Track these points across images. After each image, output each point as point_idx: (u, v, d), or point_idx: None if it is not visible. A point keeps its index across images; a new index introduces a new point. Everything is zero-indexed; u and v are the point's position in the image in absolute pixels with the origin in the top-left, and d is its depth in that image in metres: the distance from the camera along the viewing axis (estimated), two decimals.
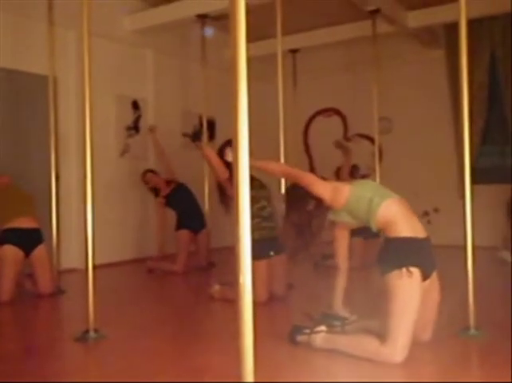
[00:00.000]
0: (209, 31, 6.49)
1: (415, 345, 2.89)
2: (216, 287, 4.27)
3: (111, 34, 6.38)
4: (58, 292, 4.55)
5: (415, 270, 2.63)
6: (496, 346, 2.82)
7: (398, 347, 2.53)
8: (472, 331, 2.99)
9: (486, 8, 5.95)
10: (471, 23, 3.27)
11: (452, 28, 6.33)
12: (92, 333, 3.09)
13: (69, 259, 5.64)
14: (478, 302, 3.03)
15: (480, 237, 3.21)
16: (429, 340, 2.86)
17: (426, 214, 7.72)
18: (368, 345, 2.63)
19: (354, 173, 6.16)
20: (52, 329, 3.62)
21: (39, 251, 4.44)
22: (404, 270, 2.61)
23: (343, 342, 2.73)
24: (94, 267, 3.17)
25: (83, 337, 3.08)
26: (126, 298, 4.54)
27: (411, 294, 2.59)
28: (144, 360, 2.75)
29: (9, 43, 5.36)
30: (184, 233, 5.83)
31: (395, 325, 2.55)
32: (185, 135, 7.47)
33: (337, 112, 8.53)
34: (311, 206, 2.93)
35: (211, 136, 7.26)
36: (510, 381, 2.32)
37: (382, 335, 2.60)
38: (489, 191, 6.70)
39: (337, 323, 3.08)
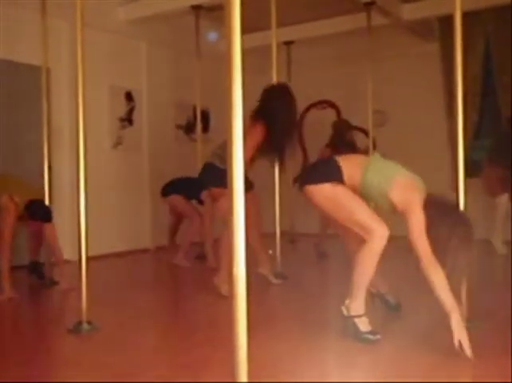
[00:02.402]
0: (212, 35, 6.49)
1: (406, 337, 2.90)
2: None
3: (104, 25, 6.34)
4: (51, 283, 4.55)
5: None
6: (489, 339, 2.84)
7: (374, 227, 2.77)
8: (465, 323, 2.99)
9: (480, 0, 5.95)
10: (465, 16, 3.26)
11: (446, 20, 6.32)
12: (85, 325, 3.08)
13: (63, 251, 5.62)
14: (471, 294, 3.04)
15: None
16: (421, 332, 2.87)
17: None
18: (363, 258, 2.82)
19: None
20: (45, 320, 3.61)
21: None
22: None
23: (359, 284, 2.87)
24: (87, 259, 3.16)
25: (76, 329, 3.07)
26: (121, 290, 4.54)
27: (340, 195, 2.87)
28: (137, 352, 2.76)
29: (1, 33, 5.31)
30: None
31: (355, 220, 2.83)
32: (179, 127, 7.45)
33: (331, 105, 8.51)
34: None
35: (205, 128, 7.24)
36: (506, 374, 2.33)
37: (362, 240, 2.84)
38: (481, 185, 6.71)
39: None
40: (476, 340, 2.74)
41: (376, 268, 2.88)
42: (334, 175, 2.92)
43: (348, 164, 2.97)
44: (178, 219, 6.10)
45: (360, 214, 2.83)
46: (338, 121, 6.48)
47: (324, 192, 2.93)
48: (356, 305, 2.88)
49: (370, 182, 2.88)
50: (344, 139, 6.21)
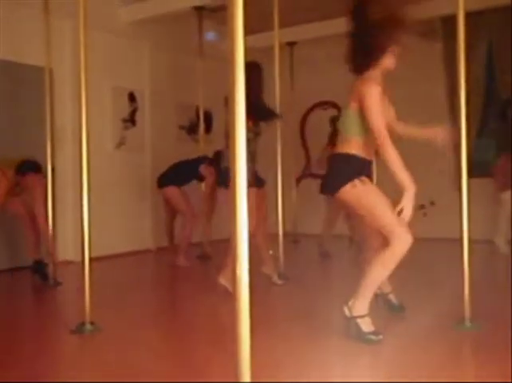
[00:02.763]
0: (211, 35, 6.48)
1: (410, 337, 2.90)
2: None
3: (107, 26, 6.35)
4: (55, 284, 4.57)
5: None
6: (491, 339, 2.84)
7: (399, 232, 2.76)
8: (467, 324, 3.00)
9: (483, 1, 5.94)
10: (468, 16, 3.27)
11: (449, 20, 6.31)
12: (88, 326, 3.09)
13: (65, 251, 5.64)
14: (473, 294, 3.04)
15: (475, 230, 3.22)
16: (425, 333, 2.87)
17: (422, 207, 7.73)
18: (383, 260, 2.82)
19: None
20: (48, 321, 3.62)
21: None
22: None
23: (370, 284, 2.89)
24: (90, 259, 3.17)
25: (79, 330, 3.08)
26: (123, 291, 4.54)
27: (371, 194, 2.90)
28: (140, 353, 2.76)
29: (4, 34, 5.32)
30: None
31: (382, 223, 2.82)
32: (181, 127, 7.46)
33: (334, 105, 8.51)
34: None
35: (208, 129, 7.25)
36: (507, 373, 2.33)
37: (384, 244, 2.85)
38: (484, 185, 6.71)
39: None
40: (478, 339, 2.74)
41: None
42: (355, 171, 2.93)
43: None
44: (171, 214, 6.07)
45: (389, 217, 2.82)
46: (337, 116, 6.47)
47: (353, 193, 2.92)
48: (360, 305, 2.87)
49: None
50: None
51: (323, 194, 3.24)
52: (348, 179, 2.90)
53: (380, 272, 2.86)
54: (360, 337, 2.83)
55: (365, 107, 2.88)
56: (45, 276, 4.66)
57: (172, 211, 6.02)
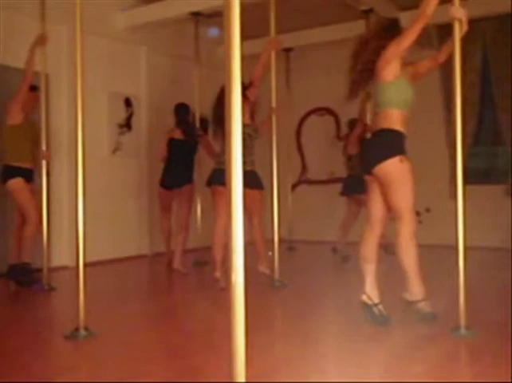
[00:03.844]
0: (213, 31, 6.48)
1: (405, 344, 2.90)
2: None
3: (104, 31, 6.36)
4: (49, 289, 4.55)
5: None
6: (486, 346, 2.84)
7: (411, 219, 3.16)
8: (462, 331, 2.99)
9: (478, 9, 5.97)
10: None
11: (445, 28, 6.34)
12: (82, 331, 3.07)
13: (60, 257, 5.62)
14: (468, 301, 3.04)
15: (470, 237, 3.22)
16: (420, 340, 2.87)
17: (417, 214, 7.73)
18: (403, 246, 3.15)
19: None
20: (42, 326, 3.60)
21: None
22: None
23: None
24: (85, 265, 3.16)
25: (73, 335, 3.06)
26: (118, 296, 4.53)
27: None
28: (134, 359, 2.75)
29: (0, 39, 5.32)
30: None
31: (405, 204, 3.12)
32: None
33: (330, 112, 8.53)
34: None
35: (204, 134, 7.23)
36: (502, 380, 2.33)
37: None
38: (480, 192, 6.73)
39: None
40: (474, 346, 2.74)
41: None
42: (403, 147, 3.13)
43: None
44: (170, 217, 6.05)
45: (411, 202, 3.13)
46: (354, 119, 6.52)
47: (398, 167, 3.11)
48: (417, 290, 3.14)
49: None
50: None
51: (369, 167, 3.23)
52: (399, 152, 3.10)
53: (408, 257, 3.13)
54: (425, 317, 3.11)
55: (398, 43, 3.14)
56: (22, 280, 4.66)
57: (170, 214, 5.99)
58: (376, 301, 3.27)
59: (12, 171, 4.61)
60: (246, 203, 4.72)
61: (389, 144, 3.16)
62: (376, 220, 3.29)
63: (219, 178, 4.40)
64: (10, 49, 5.42)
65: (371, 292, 3.28)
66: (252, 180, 4.55)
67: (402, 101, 3.18)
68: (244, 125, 4.74)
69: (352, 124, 6.50)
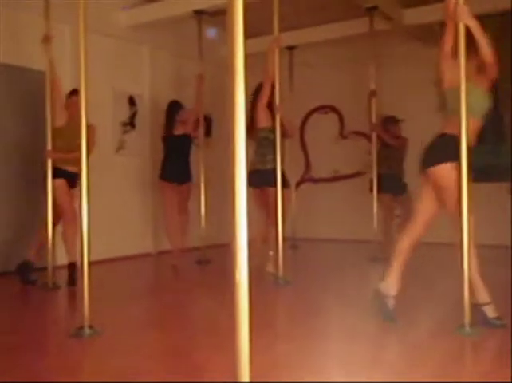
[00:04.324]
0: (211, 32, 6.48)
1: (410, 342, 2.90)
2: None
3: (107, 30, 6.36)
4: (54, 287, 4.57)
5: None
6: (491, 344, 2.83)
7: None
8: (467, 329, 2.99)
9: (483, 6, 5.95)
10: None
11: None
12: (86, 330, 3.07)
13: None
14: (473, 299, 3.03)
15: (476, 235, 3.21)
16: (425, 338, 2.86)
17: None
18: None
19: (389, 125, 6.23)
20: (46, 324, 3.61)
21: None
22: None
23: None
24: (90, 263, 3.16)
25: (78, 334, 3.07)
26: (122, 295, 4.53)
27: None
28: (139, 357, 2.75)
29: (4, 38, 5.33)
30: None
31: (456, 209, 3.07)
32: None
33: (334, 110, 8.52)
34: None
35: (208, 133, 7.24)
36: (507, 379, 2.32)
37: None
38: (483, 190, 6.71)
39: None
40: (478, 345, 2.73)
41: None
42: (457, 155, 3.05)
43: None
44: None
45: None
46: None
47: (452, 174, 3.10)
48: (482, 294, 3.13)
49: None
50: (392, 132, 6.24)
51: (425, 168, 3.26)
52: (454, 159, 3.07)
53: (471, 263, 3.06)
54: (487, 322, 3.06)
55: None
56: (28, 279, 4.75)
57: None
58: (393, 293, 3.29)
59: (56, 173, 4.73)
60: (267, 200, 4.80)
61: (446, 149, 3.17)
62: (421, 220, 3.30)
63: (251, 179, 4.56)
64: (13, 48, 5.42)
65: (392, 283, 3.29)
66: (270, 179, 4.66)
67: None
68: (259, 129, 4.82)
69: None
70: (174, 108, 5.95)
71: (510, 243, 5.92)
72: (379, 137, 6.27)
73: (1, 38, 5.31)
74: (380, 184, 6.13)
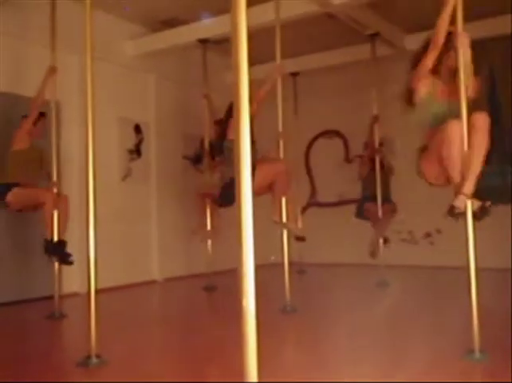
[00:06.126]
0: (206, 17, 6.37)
1: (419, 368, 2.86)
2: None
3: (113, 59, 6.45)
4: (60, 316, 4.55)
5: None
6: (501, 370, 2.79)
7: None
8: (477, 354, 2.95)
9: (484, 30, 6.01)
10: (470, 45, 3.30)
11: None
12: (93, 359, 3.05)
13: (71, 283, 5.62)
14: (482, 324, 3.00)
15: (482, 258, 3.19)
16: (434, 364, 2.82)
17: (428, 235, 7.69)
18: None
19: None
20: (53, 353, 3.58)
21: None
22: None
23: None
24: (96, 291, 3.15)
25: (85, 363, 3.04)
26: (130, 323, 4.50)
27: None
28: None
29: (12, 68, 5.41)
30: None
31: None
32: (185, 157, 7.49)
33: (338, 134, 8.56)
34: None
35: (213, 159, 7.27)
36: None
37: None
38: (493, 212, 6.68)
39: None
40: (488, 372, 2.69)
41: None
42: None
43: None
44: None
45: None
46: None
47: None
48: None
49: None
50: None
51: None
52: None
53: None
54: None
55: None
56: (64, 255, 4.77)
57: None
58: None
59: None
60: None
61: None
62: None
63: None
64: (22, 79, 5.50)
65: None
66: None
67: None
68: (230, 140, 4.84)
69: (367, 145, 6.53)
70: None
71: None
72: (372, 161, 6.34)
73: (10, 68, 5.39)
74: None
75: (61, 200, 4.79)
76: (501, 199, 6.91)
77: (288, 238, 4.75)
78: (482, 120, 3.08)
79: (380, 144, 6.38)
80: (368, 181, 6.32)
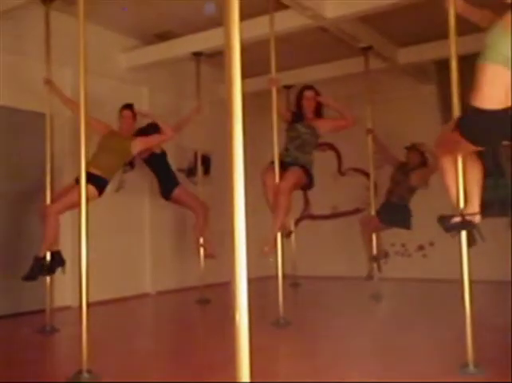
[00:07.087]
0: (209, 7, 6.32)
1: (413, 381, 2.85)
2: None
3: (107, 72, 6.45)
4: (52, 330, 4.50)
5: None
6: None
7: None
8: (471, 368, 2.93)
9: (475, 45, 6.06)
10: (462, 59, 3.32)
11: (443, 63, 6.44)
12: (85, 374, 3.01)
13: (63, 297, 5.57)
14: (476, 337, 2.99)
15: (476, 271, 3.19)
16: (428, 377, 2.81)
17: (421, 248, 7.70)
18: None
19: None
20: (44, 369, 3.54)
21: None
22: None
23: None
24: (88, 305, 3.12)
25: (76, 378, 3.00)
26: (122, 337, 4.47)
27: None
28: None
29: (6, 81, 5.40)
30: None
31: None
32: (180, 170, 7.48)
33: (332, 147, 8.58)
34: None
35: (206, 171, 7.28)
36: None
37: None
38: (482, 224, 6.70)
39: None
40: None
41: None
42: None
43: None
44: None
45: None
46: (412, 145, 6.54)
47: None
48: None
49: None
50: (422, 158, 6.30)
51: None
52: None
53: None
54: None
55: None
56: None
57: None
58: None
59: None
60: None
61: None
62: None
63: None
64: (16, 92, 5.49)
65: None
66: None
67: None
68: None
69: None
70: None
71: (510, 279, 5.88)
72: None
73: (4, 82, 5.38)
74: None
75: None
76: (495, 211, 6.96)
77: (282, 251, 4.73)
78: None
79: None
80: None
